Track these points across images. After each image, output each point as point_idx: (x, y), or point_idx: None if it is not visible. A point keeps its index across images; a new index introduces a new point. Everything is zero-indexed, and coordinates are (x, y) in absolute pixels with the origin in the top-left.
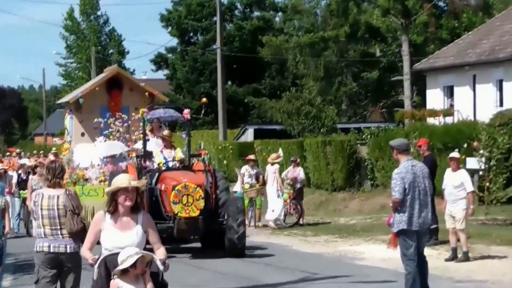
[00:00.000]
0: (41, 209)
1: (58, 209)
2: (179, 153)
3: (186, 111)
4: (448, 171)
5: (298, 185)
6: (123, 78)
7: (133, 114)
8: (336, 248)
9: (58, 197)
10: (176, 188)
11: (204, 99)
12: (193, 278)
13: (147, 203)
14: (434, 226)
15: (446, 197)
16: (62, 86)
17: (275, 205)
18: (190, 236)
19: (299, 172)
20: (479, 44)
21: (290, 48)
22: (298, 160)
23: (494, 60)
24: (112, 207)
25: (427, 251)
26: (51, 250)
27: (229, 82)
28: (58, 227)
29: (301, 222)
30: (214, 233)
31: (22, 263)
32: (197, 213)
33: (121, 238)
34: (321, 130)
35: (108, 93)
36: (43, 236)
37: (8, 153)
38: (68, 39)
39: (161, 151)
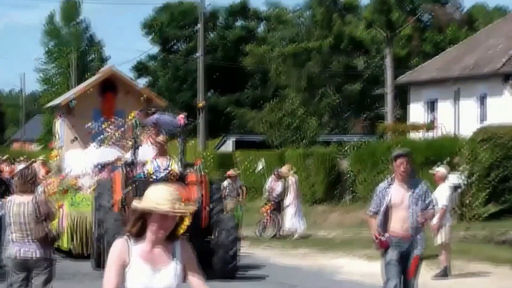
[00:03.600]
0: (11, 215)
1: (26, 215)
2: (175, 166)
3: (182, 115)
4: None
5: (276, 198)
6: (118, 80)
7: (128, 118)
8: (315, 262)
9: (27, 203)
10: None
11: (201, 103)
12: None
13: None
14: None
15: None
16: (41, 92)
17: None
18: None
19: (279, 185)
20: (463, 58)
21: (273, 58)
22: (281, 172)
23: (477, 75)
24: (138, 230)
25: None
26: (20, 256)
27: (211, 92)
28: (26, 233)
29: (278, 235)
30: (202, 252)
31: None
32: (182, 230)
33: (154, 279)
34: (303, 141)
35: (102, 95)
36: (13, 241)
37: None
38: (48, 44)
39: (154, 159)
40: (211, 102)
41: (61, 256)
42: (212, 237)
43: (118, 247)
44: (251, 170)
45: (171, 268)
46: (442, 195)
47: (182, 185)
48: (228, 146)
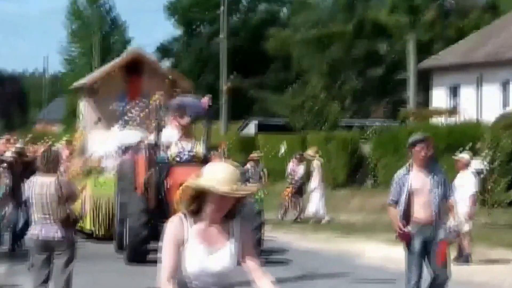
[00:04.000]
0: (33, 196)
1: (48, 196)
2: (199, 148)
3: (206, 98)
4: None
5: (298, 181)
6: (143, 61)
7: (153, 100)
8: (336, 246)
9: (49, 184)
10: (182, 186)
11: (228, 86)
12: None
13: (154, 200)
14: None
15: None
16: (64, 73)
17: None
18: None
19: (300, 168)
20: (486, 44)
21: (295, 42)
22: (303, 156)
23: (500, 61)
24: (195, 208)
25: None
26: (41, 237)
27: (233, 75)
28: (48, 214)
29: (300, 218)
30: None
31: (18, 250)
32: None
33: (210, 260)
34: (324, 125)
35: (127, 77)
36: (34, 222)
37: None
38: (72, 26)
39: (178, 142)
40: (234, 85)
41: (83, 237)
42: None
43: (174, 225)
44: (273, 154)
45: (228, 249)
46: (470, 182)
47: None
48: (251, 129)
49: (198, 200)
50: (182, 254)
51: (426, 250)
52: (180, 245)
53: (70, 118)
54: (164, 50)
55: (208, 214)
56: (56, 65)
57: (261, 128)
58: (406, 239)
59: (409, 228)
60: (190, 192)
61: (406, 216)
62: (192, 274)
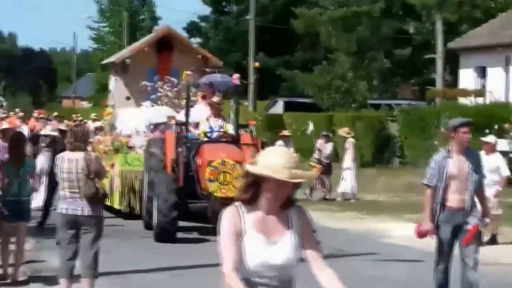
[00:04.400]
0: (62, 172)
1: (77, 172)
2: (229, 127)
3: (236, 76)
4: (482, 155)
5: (325, 160)
6: (174, 38)
7: (182, 77)
8: (363, 225)
9: (77, 160)
10: (212, 164)
11: (256, 64)
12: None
13: (183, 179)
14: None
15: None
16: (93, 50)
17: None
18: None
19: (328, 147)
20: None
21: (323, 21)
22: (330, 134)
23: None
24: (251, 197)
25: None
26: (69, 212)
27: (261, 53)
28: (76, 190)
29: (327, 197)
30: None
31: (45, 226)
32: (234, 193)
33: (269, 252)
34: (352, 105)
35: (157, 54)
36: (63, 198)
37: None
38: (102, 3)
39: (207, 119)
40: (261, 64)
41: (112, 215)
42: None
43: (230, 215)
44: (299, 132)
45: (288, 240)
46: (501, 165)
47: (235, 146)
48: (278, 108)
49: (254, 188)
50: (241, 246)
51: (456, 236)
52: (239, 235)
53: (98, 95)
54: (192, 29)
55: (265, 203)
56: (85, 42)
57: (288, 107)
58: (420, 235)
59: (429, 227)
60: (245, 180)
61: (443, 200)
62: (252, 268)
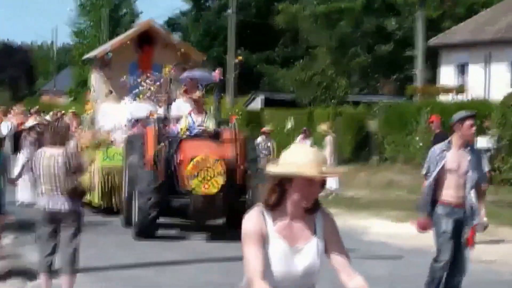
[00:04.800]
0: (41, 167)
1: (56, 167)
2: (210, 122)
3: (218, 71)
4: None
5: None
6: (156, 33)
7: (164, 72)
8: (343, 222)
9: (57, 155)
10: (194, 160)
11: (239, 57)
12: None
13: (164, 175)
14: None
15: None
16: (73, 45)
17: None
18: (207, 216)
19: (308, 143)
20: (496, 21)
21: (304, 17)
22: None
23: (510, 39)
24: (276, 200)
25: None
26: (49, 208)
27: (241, 49)
28: (56, 186)
29: None
30: (236, 212)
31: (23, 222)
32: (216, 190)
33: (294, 260)
34: (332, 101)
35: (139, 48)
36: (42, 194)
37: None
38: None
39: (189, 115)
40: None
41: (92, 211)
42: (247, 197)
43: (254, 221)
44: (279, 128)
45: (313, 246)
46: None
47: (217, 142)
48: (257, 103)
49: (279, 192)
50: (265, 253)
51: (457, 232)
52: (263, 242)
53: (78, 90)
54: (172, 24)
55: (291, 206)
56: (64, 37)
57: (268, 102)
58: (422, 227)
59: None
60: (268, 183)
61: (434, 193)
62: (275, 276)
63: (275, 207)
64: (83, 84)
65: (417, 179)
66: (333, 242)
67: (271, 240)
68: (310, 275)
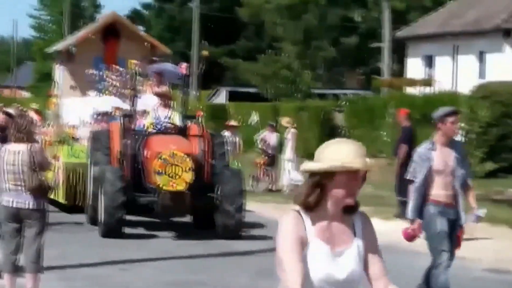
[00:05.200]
0: (5, 164)
1: (21, 164)
2: (176, 118)
3: (184, 65)
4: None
5: (271, 151)
6: (121, 25)
7: (129, 67)
8: None
9: (21, 152)
10: (161, 157)
11: (205, 52)
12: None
13: (130, 172)
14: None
15: None
16: (34, 39)
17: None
18: (175, 213)
19: (274, 138)
20: (463, 13)
21: (269, 9)
22: (274, 125)
23: (477, 31)
24: (315, 201)
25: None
26: (13, 205)
27: (204, 42)
28: (20, 183)
29: (273, 188)
30: (205, 210)
31: None
32: (184, 187)
33: (334, 265)
34: (297, 94)
35: (104, 42)
36: (7, 191)
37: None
38: None
39: (155, 110)
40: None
41: (56, 209)
42: (216, 194)
43: (293, 224)
44: (243, 123)
45: (354, 250)
46: None
47: (184, 138)
48: (221, 97)
49: (318, 191)
50: (306, 258)
51: (450, 232)
52: (302, 246)
53: (39, 84)
54: (134, 17)
55: (332, 205)
56: (25, 30)
57: (232, 96)
58: (410, 239)
59: (416, 225)
60: (306, 183)
61: (423, 195)
62: (315, 282)
63: (313, 208)
64: (44, 79)
65: (384, 174)
66: (370, 247)
67: (311, 245)
68: (351, 283)
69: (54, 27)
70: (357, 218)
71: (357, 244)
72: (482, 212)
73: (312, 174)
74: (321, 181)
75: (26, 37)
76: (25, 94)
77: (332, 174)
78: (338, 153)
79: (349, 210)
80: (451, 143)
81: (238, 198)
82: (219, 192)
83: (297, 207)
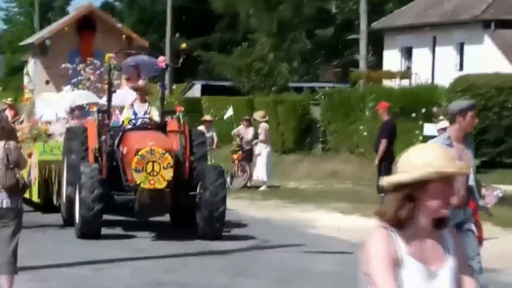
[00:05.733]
0: None
1: None
2: (154, 113)
3: (162, 58)
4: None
5: (246, 146)
6: (97, 17)
7: (106, 62)
8: (286, 214)
9: None
10: (139, 153)
11: (184, 45)
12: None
13: (107, 169)
14: None
15: None
16: (2, 32)
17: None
18: (154, 212)
19: (249, 132)
20: (441, 4)
21: (243, 1)
22: (251, 119)
23: (456, 22)
24: (407, 214)
25: None
26: None
27: (177, 34)
28: None
29: (248, 184)
30: (184, 208)
31: None
32: (163, 184)
33: (432, 285)
34: (272, 88)
35: (79, 34)
36: None
37: None
38: None
39: (132, 105)
40: (178, 46)
41: (30, 208)
42: (197, 191)
43: (383, 242)
44: (217, 118)
45: (448, 269)
46: None
47: (162, 134)
48: (195, 91)
49: (409, 204)
50: (399, 279)
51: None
52: (395, 266)
53: (8, 78)
54: (106, 9)
55: (423, 219)
56: None
57: (206, 90)
58: None
59: None
60: (394, 197)
61: None
62: None
63: (403, 223)
64: (13, 73)
65: (362, 169)
66: (463, 265)
67: (405, 265)
68: None
69: (24, 20)
70: (447, 233)
71: (450, 262)
72: (500, 192)
73: (398, 187)
74: (412, 193)
75: None
76: None
77: (424, 184)
78: (427, 160)
79: (440, 224)
80: (466, 139)
81: (220, 198)
82: (200, 191)
83: (384, 223)
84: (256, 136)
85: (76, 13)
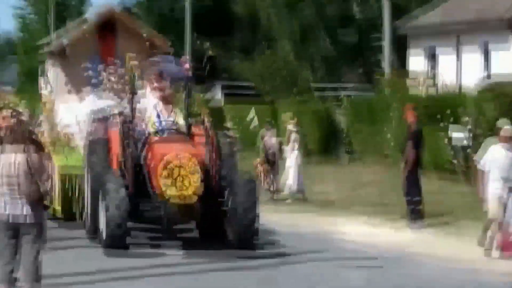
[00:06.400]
0: (1, 174)
1: (16, 170)
2: (180, 117)
3: (187, 65)
4: (498, 148)
5: (270, 152)
6: (118, 21)
7: (128, 68)
8: (313, 222)
9: (19, 158)
10: (166, 161)
11: (211, 53)
12: None
13: (132, 180)
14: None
15: (494, 179)
16: (18, 37)
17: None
18: (182, 221)
19: (272, 138)
20: (466, 5)
21: (265, 5)
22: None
23: (481, 22)
24: None
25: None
26: (9, 214)
27: (196, 38)
28: (15, 188)
29: (271, 189)
30: (213, 217)
31: None
32: (191, 190)
33: None
34: (294, 90)
35: (100, 39)
36: (3, 203)
37: None
38: None
39: (155, 108)
40: (199, 50)
41: (53, 221)
42: (226, 202)
43: None
44: (240, 126)
45: None
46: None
47: (189, 140)
48: (216, 93)
49: None
50: None
51: None
52: None
53: (22, 81)
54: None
55: None
56: (6, 24)
57: (226, 92)
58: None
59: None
60: None
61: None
62: None
63: None
64: (27, 75)
65: (390, 178)
66: None
67: None
68: None
69: (40, 25)
70: None
71: None
72: None
73: None
74: None
75: (8, 32)
76: (7, 89)
77: None
78: None
79: None
80: None
81: (251, 209)
82: (230, 201)
83: None
84: (280, 142)
85: (97, 17)
